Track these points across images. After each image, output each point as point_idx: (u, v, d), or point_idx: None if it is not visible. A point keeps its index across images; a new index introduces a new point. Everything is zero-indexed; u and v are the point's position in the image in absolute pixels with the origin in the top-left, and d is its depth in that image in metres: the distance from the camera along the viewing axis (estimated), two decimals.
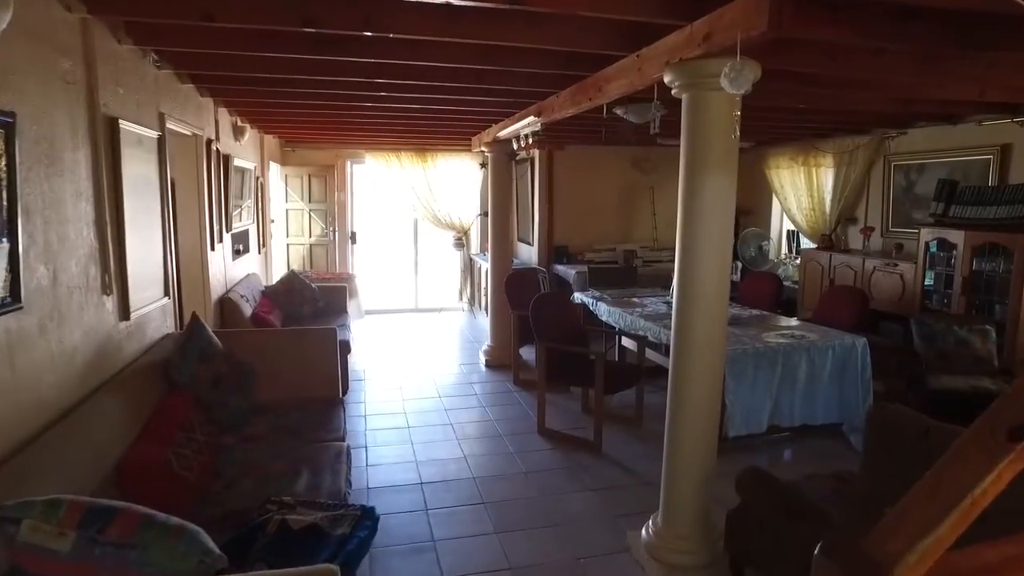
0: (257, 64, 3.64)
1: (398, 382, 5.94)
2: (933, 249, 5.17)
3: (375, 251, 11.07)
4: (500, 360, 6.39)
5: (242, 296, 5.42)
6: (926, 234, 5.20)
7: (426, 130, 6.71)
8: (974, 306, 4.88)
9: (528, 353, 6.28)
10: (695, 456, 2.88)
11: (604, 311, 5.58)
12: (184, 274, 4.63)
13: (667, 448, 2.97)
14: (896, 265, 5.55)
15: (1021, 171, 5.13)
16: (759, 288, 5.82)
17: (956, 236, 4.94)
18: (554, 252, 8.08)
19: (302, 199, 8.76)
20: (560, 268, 7.84)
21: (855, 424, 4.28)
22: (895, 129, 6.16)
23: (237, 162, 5.79)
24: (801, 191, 7.36)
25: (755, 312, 5.17)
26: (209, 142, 4.85)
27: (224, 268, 5.39)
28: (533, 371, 5.94)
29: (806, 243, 7.86)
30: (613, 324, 5.44)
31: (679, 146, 2.97)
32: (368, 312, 9.11)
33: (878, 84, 4.04)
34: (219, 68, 3.69)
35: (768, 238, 7.90)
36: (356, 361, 6.54)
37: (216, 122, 5.14)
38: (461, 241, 9.16)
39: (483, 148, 6.43)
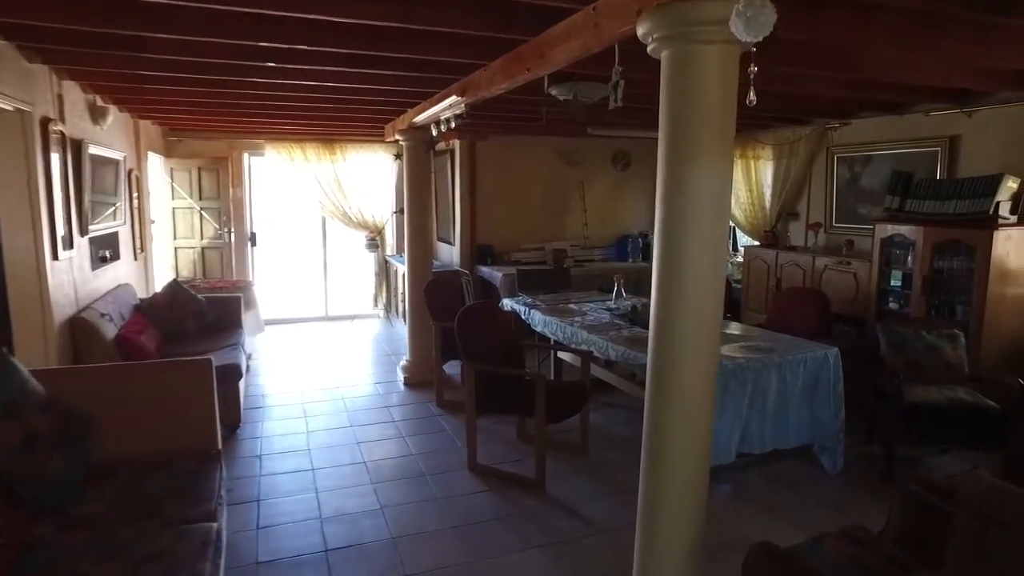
0: (111, 32, 2.77)
1: (303, 407, 5.07)
2: (890, 246, 4.82)
3: (279, 254, 10.00)
4: (421, 377, 5.63)
5: (104, 315, 4.41)
6: (881, 230, 4.85)
7: (333, 117, 5.84)
8: (934, 307, 4.56)
9: (453, 369, 5.56)
10: (681, 513, 2.24)
11: (539, 320, 4.93)
12: (12, 291, 3.62)
13: (642, 504, 2.32)
14: (849, 263, 5.20)
15: (969, 164, 4.87)
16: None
17: (914, 232, 4.60)
18: (477, 252, 7.38)
19: (191, 196, 7.65)
20: (485, 270, 7.14)
21: (827, 443, 3.83)
22: (838, 120, 5.83)
23: (96, 150, 4.74)
24: (739, 185, 6.98)
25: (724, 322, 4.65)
26: (46, 122, 3.84)
27: (76, 280, 4.36)
28: (459, 389, 5.23)
29: (744, 240, 7.51)
30: (550, 336, 4.81)
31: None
32: (271, 323, 8.10)
33: (844, 59, 3.57)
34: (50, 21, 2.78)
35: None
36: (255, 384, 5.61)
37: (58, 97, 4.11)
38: (375, 242, 8.31)
39: (398, 136, 5.64)
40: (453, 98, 3.85)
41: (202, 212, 7.67)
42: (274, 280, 9.57)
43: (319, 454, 4.20)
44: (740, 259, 7.23)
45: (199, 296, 5.53)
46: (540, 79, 3.28)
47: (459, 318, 3.92)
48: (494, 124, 6.35)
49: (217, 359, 4.52)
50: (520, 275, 6.41)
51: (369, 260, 8.56)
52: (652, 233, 6.94)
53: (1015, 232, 4.22)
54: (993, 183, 4.27)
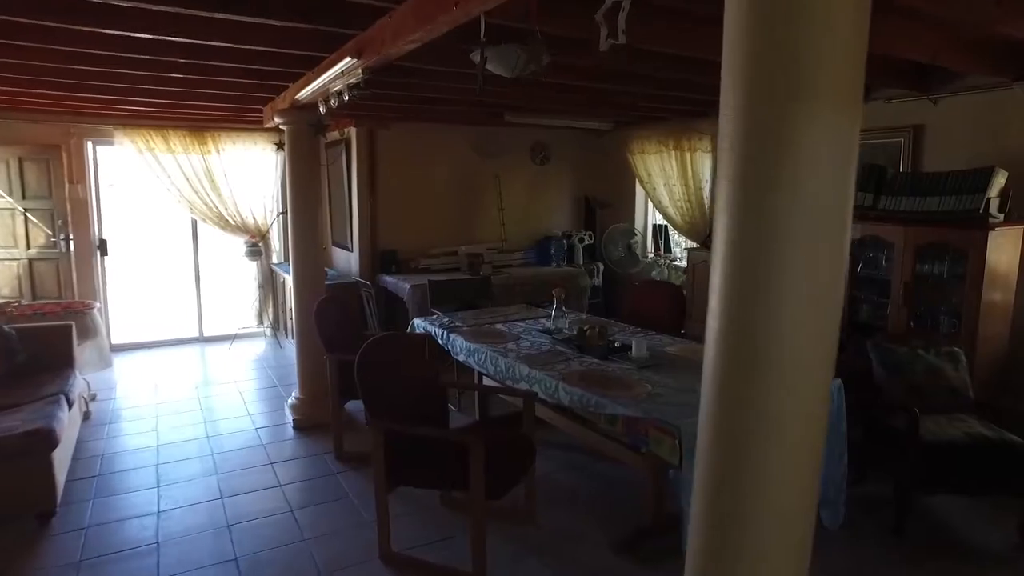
0: None
1: (158, 472, 3.86)
2: (863, 249, 4.24)
3: (138, 265, 8.44)
4: (315, 418, 4.54)
5: None
6: (853, 230, 4.24)
7: (197, 96, 4.56)
8: (915, 318, 4.01)
9: (358, 407, 4.51)
10: None
11: (462, 348, 3.98)
12: None
13: None
14: None
15: (935, 156, 4.38)
16: (655, 303, 4.56)
17: (893, 233, 4.03)
18: (380, 259, 6.31)
19: (11, 194, 6.08)
20: (389, 280, 6.09)
21: (827, 495, 3.11)
22: None
23: None
24: (674, 180, 6.31)
25: (672, 340, 3.87)
26: None
27: None
28: (365, 435, 4.19)
29: (680, 241, 6.88)
30: (476, 368, 3.87)
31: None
32: (129, 349, 6.67)
33: None
34: None
35: (636, 235, 6.81)
36: (92, 441, 4.30)
37: None
38: (258, 248, 7.03)
39: (277, 119, 4.49)
40: (347, 60, 2.82)
41: (27, 214, 6.12)
42: (133, 297, 8.06)
43: (171, 552, 3.05)
44: (679, 263, 6.59)
45: (6, 327, 4.16)
46: (467, 36, 2.34)
47: (361, 360, 2.91)
48: (398, 107, 5.32)
49: (19, 421, 3.29)
50: (433, 287, 5.43)
51: (251, 269, 7.27)
52: (577, 233, 6.10)
53: (1008, 232, 3.72)
54: (983, 177, 3.73)
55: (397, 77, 3.63)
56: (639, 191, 7.08)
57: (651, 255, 6.98)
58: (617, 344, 3.60)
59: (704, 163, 6.04)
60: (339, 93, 3.14)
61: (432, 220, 6.56)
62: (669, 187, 6.38)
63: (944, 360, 3.47)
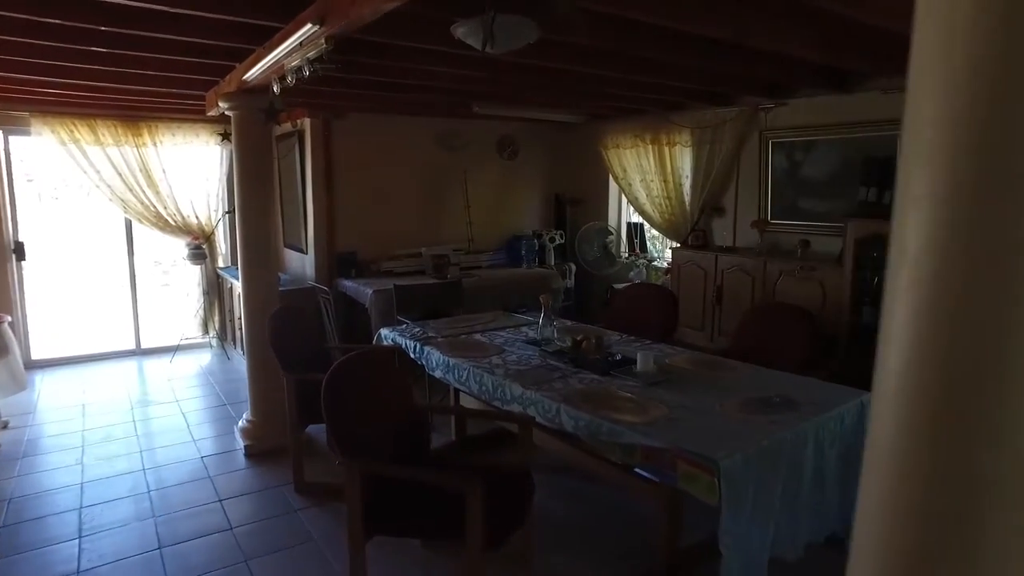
0: None
1: (80, 516, 3.29)
2: (867, 248, 3.98)
3: (64, 270, 7.65)
4: (270, 442, 4.02)
5: None
6: (856, 228, 3.99)
7: (129, 80, 3.95)
8: None
9: (319, 431, 4.02)
10: None
11: (439, 363, 3.53)
12: None
13: None
14: (813, 269, 4.31)
15: None
16: (645, 308, 4.21)
17: None
18: (338, 262, 5.79)
19: None
20: (349, 285, 5.58)
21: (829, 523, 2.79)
22: (771, 100, 4.97)
23: None
24: (651, 176, 5.99)
25: (673, 349, 3.50)
26: None
27: None
28: (327, 462, 3.71)
29: (655, 238, 6.57)
30: (456, 385, 3.43)
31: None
32: (53, 366, 5.96)
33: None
34: None
35: (612, 233, 6.46)
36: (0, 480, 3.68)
37: None
38: (201, 250, 6.40)
39: (222, 105, 3.94)
40: (307, 28, 2.35)
41: None
42: (57, 306, 7.29)
43: None
44: (659, 262, 6.28)
45: None
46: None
47: (330, 385, 2.44)
48: (358, 95, 4.81)
49: None
50: (399, 292, 4.95)
51: (195, 274, 6.62)
52: (547, 232, 5.69)
53: None
54: None
55: (366, 55, 3.16)
56: (613, 188, 6.75)
57: (625, 255, 6.65)
58: (618, 357, 3.22)
59: (684, 158, 5.74)
60: (298, 69, 2.65)
61: (394, 219, 6.07)
62: (646, 183, 6.06)
63: None
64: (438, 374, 3.56)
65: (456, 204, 6.40)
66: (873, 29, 2.99)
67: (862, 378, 3.49)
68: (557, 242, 6.77)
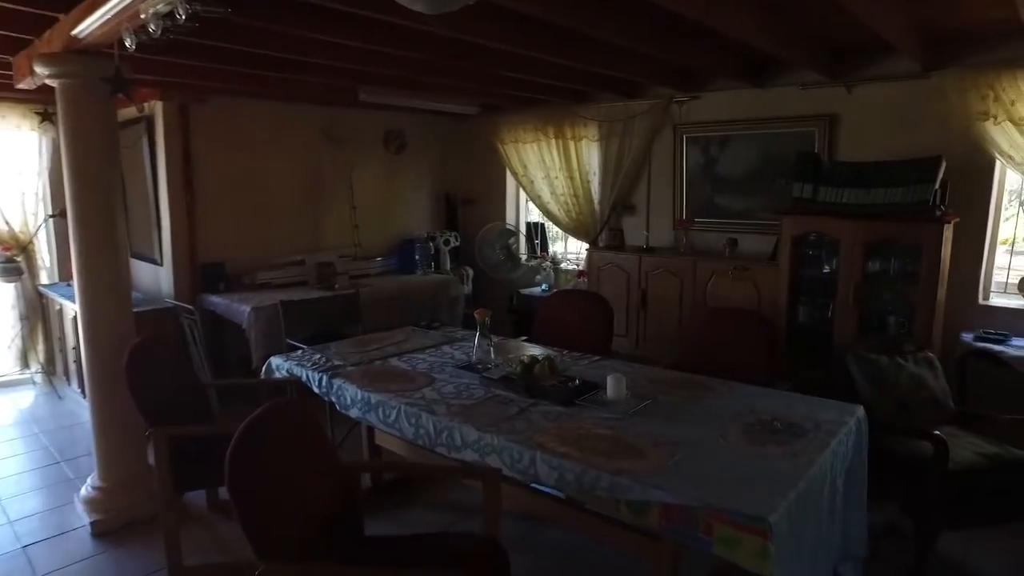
0: None
1: None
2: (804, 246, 3.83)
3: None
4: (129, 513, 3.13)
5: None
6: (791, 225, 3.83)
7: None
8: (864, 320, 3.67)
9: (199, 498, 3.20)
10: None
11: (355, 400, 2.86)
12: None
13: None
14: (747, 269, 4.11)
15: (850, 146, 4.13)
16: (576, 317, 3.78)
17: (839, 228, 3.65)
18: (203, 275, 4.84)
19: None
20: (218, 302, 4.67)
21: (854, 549, 2.54)
22: (685, 92, 4.77)
23: None
24: (556, 172, 5.62)
25: (626, 365, 3.08)
26: None
27: None
28: (212, 535, 2.93)
29: (556, 236, 6.20)
30: (386, 429, 2.77)
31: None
32: None
33: None
34: None
35: (515, 235, 6.02)
36: None
37: None
38: (16, 265, 5.13)
39: (41, 70, 2.95)
40: None
41: None
42: None
43: None
44: (569, 265, 5.91)
45: None
46: None
47: (238, 457, 1.74)
48: (222, 72, 3.97)
49: None
50: (287, 309, 4.17)
51: (7, 294, 5.31)
52: (441, 235, 5.08)
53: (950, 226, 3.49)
54: (931, 167, 3.46)
55: (235, 14, 2.44)
56: (510, 185, 6.31)
57: (524, 257, 6.22)
58: (577, 381, 2.75)
59: (591, 153, 5.42)
60: (167, 14, 1.89)
61: (270, 223, 5.20)
62: (550, 180, 5.68)
63: (923, 368, 3.10)
64: (354, 414, 2.90)
65: (341, 205, 5.64)
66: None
67: (826, 386, 3.31)
68: (452, 244, 6.22)
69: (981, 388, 3.32)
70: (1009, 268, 3.98)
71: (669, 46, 3.47)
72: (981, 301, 3.86)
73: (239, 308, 4.43)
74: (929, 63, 3.69)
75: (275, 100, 4.99)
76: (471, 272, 6.18)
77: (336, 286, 4.92)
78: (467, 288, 6.07)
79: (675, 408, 2.53)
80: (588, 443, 2.19)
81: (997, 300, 3.90)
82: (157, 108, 4.61)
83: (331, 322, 4.39)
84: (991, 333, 3.58)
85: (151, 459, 3.38)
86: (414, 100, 5.19)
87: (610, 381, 2.61)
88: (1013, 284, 3.85)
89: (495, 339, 3.35)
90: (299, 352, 3.48)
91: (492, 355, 3.13)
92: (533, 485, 2.27)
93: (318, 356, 3.36)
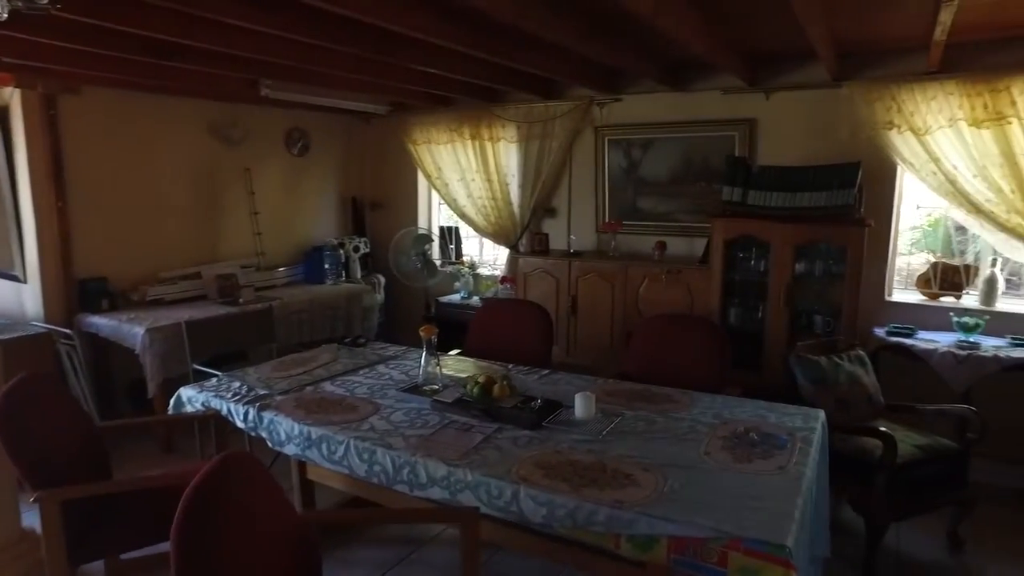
0: None
1: None
2: (735, 249, 3.90)
3: None
4: None
5: None
6: (723, 228, 3.88)
7: None
8: (794, 320, 3.78)
9: (97, 570, 2.73)
10: None
11: (290, 435, 2.54)
12: None
13: None
14: (679, 272, 4.13)
15: (769, 150, 4.26)
16: (512, 328, 3.62)
17: (768, 231, 3.74)
18: (81, 293, 4.23)
19: None
20: (102, 323, 4.09)
21: (816, 551, 2.55)
22: (606, 94, 4.75)
23: None
24: (472, 175, 5.44)
25: (584, 379, 2.96)
26: None
27: None
28: None
29: (478, 245, 6.02)
30: (333, 467, 2.47)
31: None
32: None
33: None
34: None
35: (432, 240, 5.76)
36: None
37: None
38: None
39: None
40: None
41: None
42: None
43: None
44: (487, 270, 5.74)
45: None
46: None
47: (183, 530, 1.43)
48: (97, 57, 3.45)
49: None
50: (192, 330, 3.71)
51: None
52: (351, 241, 4.71)
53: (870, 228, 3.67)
54: (852, 172, 3.61)
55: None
56: (422, 188, 6.06)
57: (439, 263, 5.98)
58: (539, 401, 2.59)
59: (510, 155, 5.28)
60: None
61: (160, 232, 4.64)
62: (467, 183, 5.49)
63: (857, 366, 3.23)
64: (291, 451, 2.58)
65: (239, 210, 5.14)
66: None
67: (768, 389, 3.36)
68: (362, 251, 5.87)
69: (893, 380, 3.51)
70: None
71: (595, 45, 3.40)
72: (887, 297, 4.11)
73: (130, 330, 3.89)
74: (839, 74, 3.87)
75: (161, 93, 4.44)
76: (383, 280, 5.86)
77: (241, 300, 4.46)
78: (380, 297, 5.76)
79: (646, 424, 2.44)
80: (572, 472, 2.04)
81: (899, 296, 4.17)
82: (13, 97, 3.95)
83: (241, 341, 3.97)
84: (900, 327, 3.80)
85: (27, 521, 2.90)
86: (320, 97, 4.84)
87: (579, 400, 2.48)
88: (910, 280, 4.15)
89: (442, 359, 3.12)
90: (213, 380, 3.07)
91: (440, 374, 2.91)
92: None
93: (237, 384, 2.97)
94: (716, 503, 1.82)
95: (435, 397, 2.70)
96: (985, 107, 3.54)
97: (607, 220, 4.88)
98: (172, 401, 2.99)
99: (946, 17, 2.66)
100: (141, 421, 3.57)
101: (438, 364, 2.91)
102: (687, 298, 4.08)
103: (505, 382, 2.62)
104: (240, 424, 2.73)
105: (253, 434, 2.70)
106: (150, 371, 3.75)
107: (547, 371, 3.15)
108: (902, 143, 3.77)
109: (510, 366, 3.24)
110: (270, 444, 2.64)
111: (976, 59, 3.54)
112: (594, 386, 2.89)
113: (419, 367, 3.12)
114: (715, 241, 3.91)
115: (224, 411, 2.79)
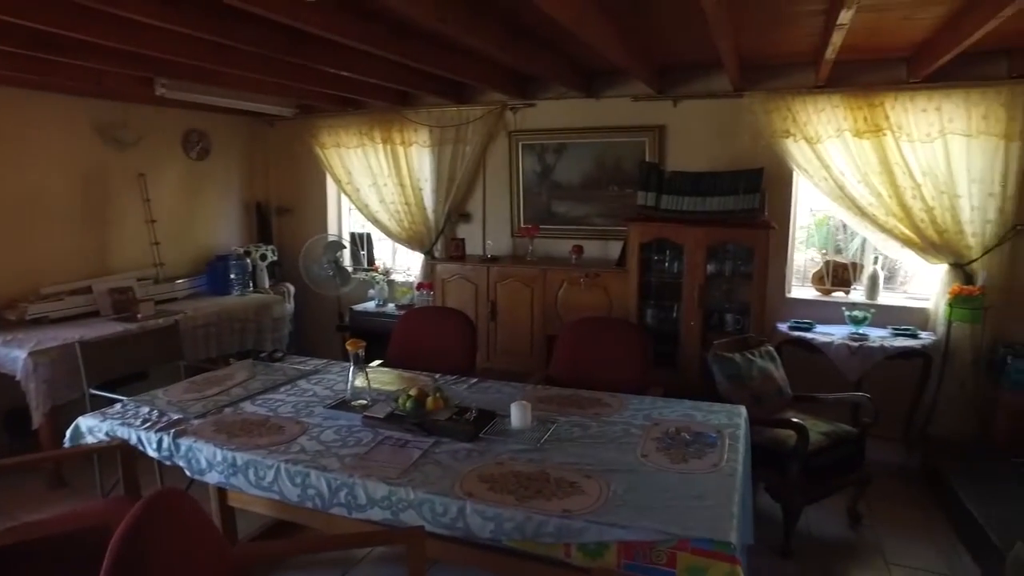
0: None
1: None
2: (650, 252, 4.03)
3: None
4: None
5: None
6: (638, 232, 4.00)
7: None
8: (706, 319, 3.96)
9: None
10: None
11: (212, 462, 2.38)
12: None
13: None
14: (598, 275, 4.22)
15: (677, 156, 4.45)
16: (435, 336, 3.59)
17: (683, 234, 3.89)
18: None
19: None
20: None
21: (743, 540, 2.69)
22: (519, 99, 4.79)
23: None
24: (385, 179, 5.32)
25: (513, 387, 2.97)
26: None
27: None
28: None
29: (391, 251, 5.89)
30: (263, 493, 2.34)
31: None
32: None
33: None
34: None
35: (345, 247, 5.59)
36: None
37: None
38: None
39: None
40: None
41: None
42: None
43: None
44: (402, 276, 5.64)
45: None
46: None
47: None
48: None
49: None
50: (86, 351, 3.41)
51: None
52: (257, 249, 4.58)
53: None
54: (756, 178, 3.84)
55: None
56: (331, 193, 5.87)
57: (351, 270, 5.81)
58: (474, 412, 2.57)
59: (423, 160, 5.21)
60: None
61: (40, 242, 4.23)
62: (379, 188, 5.37)
63: (767, 361, 3.43)
64: (213, 479, 2.42)
65: (134, 218, 4.78)
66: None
67: (691, 386, 3.51)
68: (270, 259, 5.61)
69: (795, 372, 3.77)
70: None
71: (514, 51, 3.43)
72: (787, 295, 4.40)
73: (7, 354, 3.52)
74: (741, 85, 4.10)
75: (40, 90, 4.05)
76: (292, 289, 5.63)
77: (140, 315, 4.14)
78: (290, 306, 5.53)
79: (581, 429, 2.49)
80: (517, 484, 2.04)
81: (797, 292, 4.47)
82: None
83: (143, 361, 3.68)
84: (800, 322, 4.08)
85: None
86: (222, 98, 4.57)
87: (515, 409, 2.48)
88: (805, 277, 4.47)
89: (366, 366, 3.03)
90: (117, 406, 2.83)
91: (368, 388, 2.82)
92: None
93: (147, 409, 2.76)
94: (660, 505, 1.88)
95: (366, 413, 2.62)
96: (865, 120, 3.87)
97: (523, 225, 4.93)
98: (69, 432, 2.73)
99: (837, 39, 2.89)
100: (32, 458, 3.21)
101: (367, 378, 2.83)
102: (606, 301, 4.20)
103: (438, 394, 2.59)
104: (153, 453, 2.54)
105: (168, 463, 2.52)
106: (35, 399, 3.41)
107: (476, 379, 3.14)
108: (797, 151, 4.04)
109: (437, 375, 3.21)
110: (189, 473, 2.47)
111: (856, 76, 3.87)
112: (524, 393, 2.91)
113: (343, 381, 3.05)
114: (631, 244, 4.04)
115: (133, 440, 2.58)
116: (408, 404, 2.56)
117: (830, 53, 3.14)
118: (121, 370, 3.61)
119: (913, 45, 3.51)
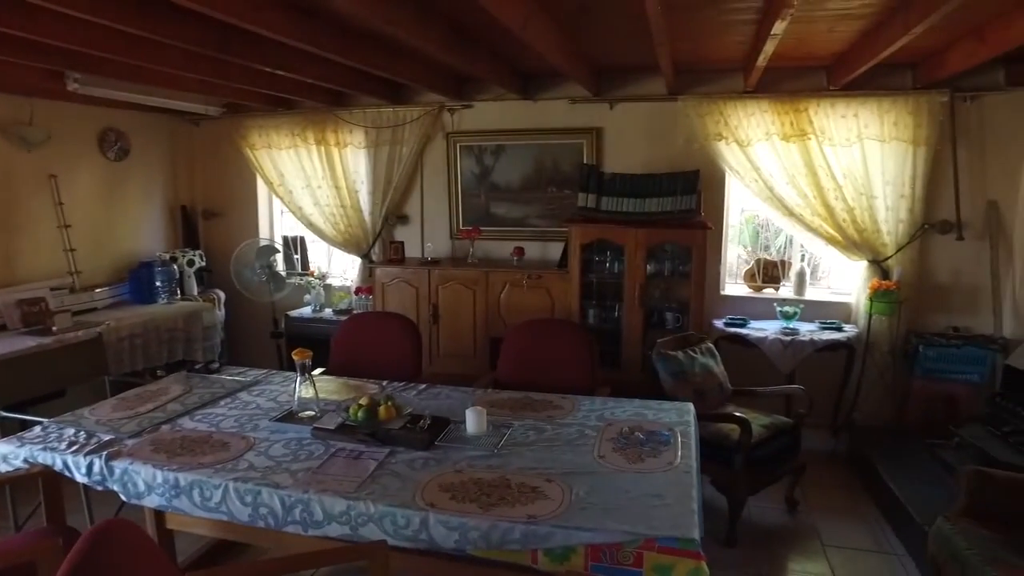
0: None
1: None
2: (590, 253, 4.09)
3: None
4: None
5: None
6: (579, 233, 4.05)
7: None
8: (647, 318, 4.06)
9: None
10: None
11: (152, 485, 2.24)
12: None
13: None
14: (540, 277, 4.24)
15: (614, 158, 4.54)
16: (380, 342, 3.52)
17: (623, 235, 3.97)
18: None
19: None
20: None
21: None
22: (457, 100, 4.76)
23: None
24: (319, 181, 5.18)
25: (461, 391, 2.95)
26: None
27: None
28: None
29: (327, 254, 5.72)
30: (208, 514, 2.22)
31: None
32: None
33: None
34: None
35: (279, 251, 5.39)
36: None
37: None
38: None
39: None
40: None
41: None
42: None
43: None
44: (342, 281, 5.49)
45: None
46: None
47: None
48: None
49: None
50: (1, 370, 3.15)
51: None
52: (184, 255, 4.41)
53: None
54: (693, 179, 3.96)
55: None
56: (263, 195, 5.66)
57: (285, 275, 5.62)
58: (427, 420, 2.53)
59: (359, 161, 5.10)
60: None
61: None
62: (313, 190, 5.22)
63: (708, 357, 3.55)
64: (153, 502, 2.28)
65: (44, 223, 4.45)
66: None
67: (634, 384, 3.57)
68: (198, 265, 5.35)
69: (731, 366, 3.91)
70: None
71: (456, 53, 3.40)
72: (722, 292, 4.56)
73: None
74: (675, 89, 4.21)
75: None
76: (223, 295, 5.39)
77: (55, 328, 3.86)
78: (221, 314, 5.29)
79: (537, 433, 2.49)
80: (479, 491, 2.03)
81: (730, 290, 4.64)
82: None
83: (63, 378, 3.44)
84: (735, 319, 4.23)
85: None
86: (141, 95, 4.32)
87: (470, 415, 2.46)
88: (736, 275, 4.65)
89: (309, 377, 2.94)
90: (37, 429, 2.63)
91: (315, 400, 2.74)
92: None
93: (72, 431, 2.58)
94: (623, 506, 1.91)
95: (315, 425, 2.54)
96: (791, 124, 4.07)
97: (462, 227, 4.90)
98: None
99: (770, 47, 3.02)
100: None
101: (314, 388, 2.74)
102: (548, 302, 4.23)
103: (390, 402, 2.54)
104: (82, 479, 2.37)
105: (100, 488, 2.36)
106: None
107: (424, 385, 3.10)
108: (729, 153, 4.19)
109: (384, 382, 3.15)
110: (125, 498, 2.32)
111: (782, 83, 4.06)
112: (475, 397, 2.90)
113: (286, 392, 2.96)
114: (572, 245, 4.09)
115: (58, 466, 2.40)
116: (360, 414, 2.49)
117: (761, 60, 3.28)
118: (37, 389, 3.36)
119: (833, 55, 3.71)
